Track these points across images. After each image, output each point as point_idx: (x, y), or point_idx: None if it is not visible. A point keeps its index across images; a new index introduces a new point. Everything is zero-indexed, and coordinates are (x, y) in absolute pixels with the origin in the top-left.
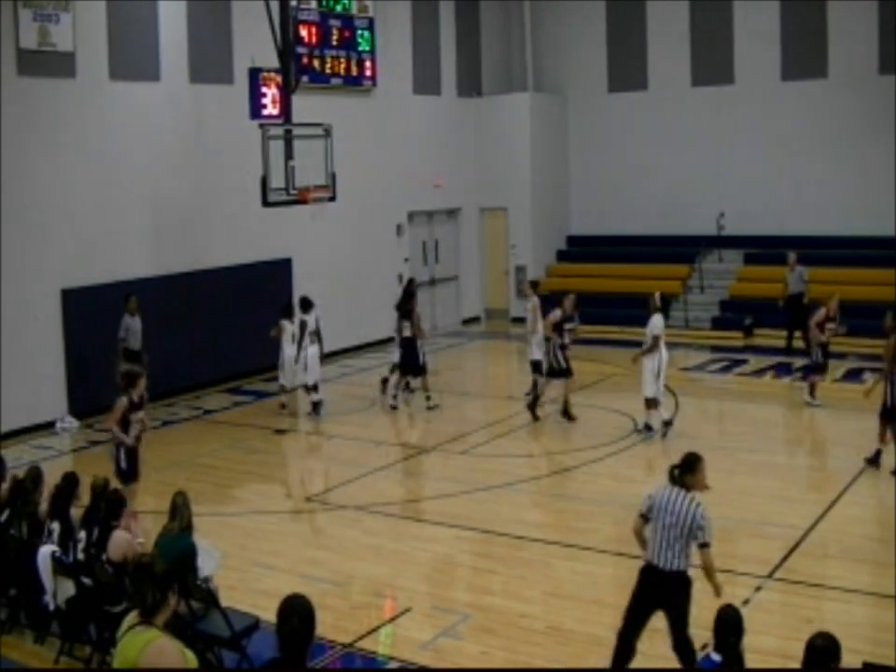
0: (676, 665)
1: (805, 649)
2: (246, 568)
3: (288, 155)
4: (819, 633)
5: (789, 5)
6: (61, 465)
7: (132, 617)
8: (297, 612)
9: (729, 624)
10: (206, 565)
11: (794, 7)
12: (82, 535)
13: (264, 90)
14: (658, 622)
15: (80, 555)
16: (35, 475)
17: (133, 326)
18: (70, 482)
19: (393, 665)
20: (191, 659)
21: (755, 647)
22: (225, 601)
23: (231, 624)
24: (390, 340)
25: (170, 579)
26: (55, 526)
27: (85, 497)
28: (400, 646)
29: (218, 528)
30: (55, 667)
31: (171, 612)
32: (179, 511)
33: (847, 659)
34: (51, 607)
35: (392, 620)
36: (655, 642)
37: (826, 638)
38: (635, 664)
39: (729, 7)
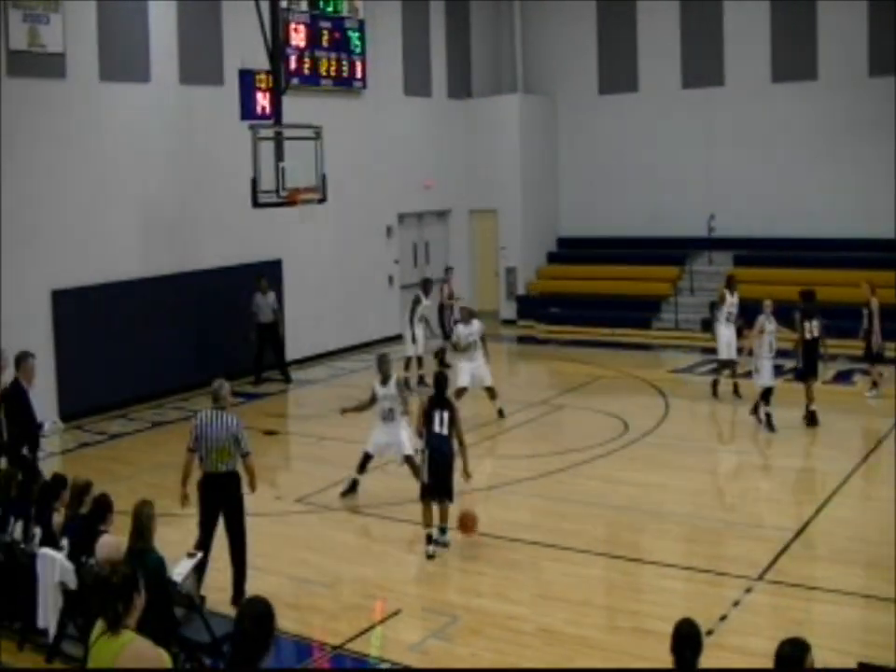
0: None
1: (775, 656)
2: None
3: (279, 156)
4: (788, 640)
5: (779, 6)
6: (49, 467)
7: (101, 624)
8: (249, 615)
9: (687, 640)
10: (182, 566)
11: (784, 8)
12: (65, 542)
13: (254, 91)
14: (649, 622)
15: (66, 563)
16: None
17: (262, 303)
18: (53, 484)
19: (383, 666)
20: (165, 656)
21: (744, 648)
22: (214, 603)
23: (211, 630)
24: (380, 342)
25: (132, 582)
26: (37, 531)
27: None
28: (390, 647)
29: None
30: (49, 667)
31: (140, 612)
32: (145, 524)
33: (837, 660)
34: (41, 614)
35: (382, 621)
36: (650, 643)
37: (792, 645)
38: (629, 664)
39: (719, 9)
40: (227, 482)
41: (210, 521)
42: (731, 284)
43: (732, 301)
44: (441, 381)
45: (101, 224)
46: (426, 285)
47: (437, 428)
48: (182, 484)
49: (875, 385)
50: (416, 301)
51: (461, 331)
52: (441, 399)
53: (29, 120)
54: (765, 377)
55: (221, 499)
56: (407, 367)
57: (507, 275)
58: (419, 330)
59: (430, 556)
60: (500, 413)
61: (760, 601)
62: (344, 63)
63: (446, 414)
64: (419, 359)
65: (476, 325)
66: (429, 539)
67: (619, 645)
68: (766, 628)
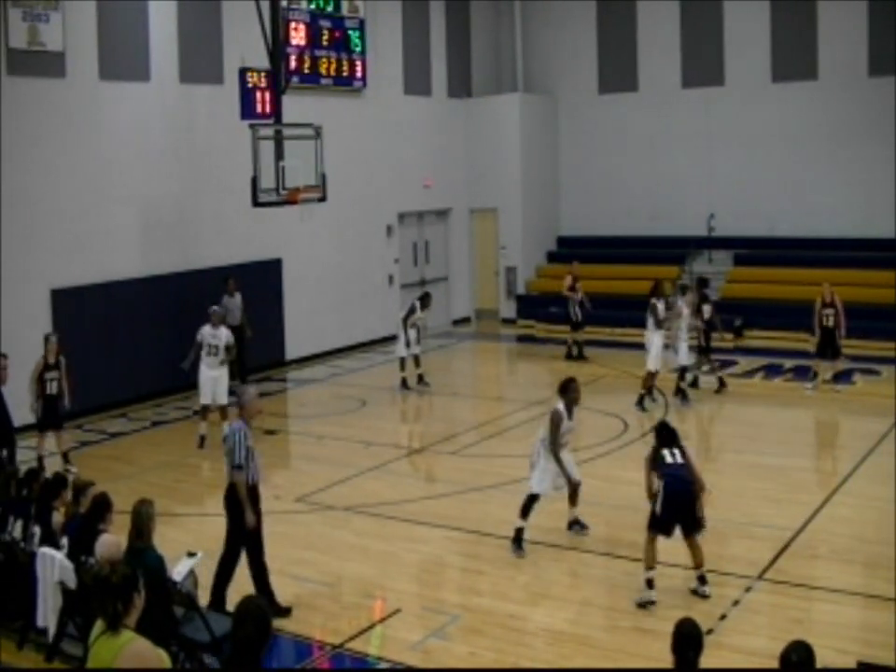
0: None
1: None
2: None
3: (279, 155)
4: (795, 642)
5: (779, 6)
6: (50, 466)
7: (100, 623)
8: (251, 618)
9: (689, 639)
10: (183, 565)
11: (784, 8)
12: (64, 541)
13: (254, 90)
14: (649, 621)
15: (65, 562)
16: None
17: (230, 304)
18: (53, 483)
19: (382, 665)
20: (164, 656)
21: (744, 647)
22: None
23: (210, 629)
24: (381, 340)
25: (131, 582)
26: (37, 530)
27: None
28: (390, 647)
29: (207, 529)
30: (48, 666)
31: (140, 611)
32: (144, 523)
33: (837, 659)
34: (40, 613)
35: (382, 621)
36: (650, 642)
37: (808, 653)
38: (629, 664)
39: (719, 9)
40: (229, 491)
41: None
42: (657, 291)
43: (661, 307)
44: (664, 431)
45: (101, 223)
46: (424, 298)
47: (670, 459)
48: None
49: (815, 376)
50: (411, 311)
51: (205, 331)
52: (670, 440)
53: (29, 119)
54: (683, 357)
55: (226, 508)
56: (402, 367)
57: (507, 275)
58: (413, 333)
59: (643, 605)
60: (201, 442)
61: (760, 600)
62: (345, 62)
63: (677, 450)
64: (416, 358)
65: (223, 332)
66: (650, 584)
67: (619, 644)
68: (766, 627)
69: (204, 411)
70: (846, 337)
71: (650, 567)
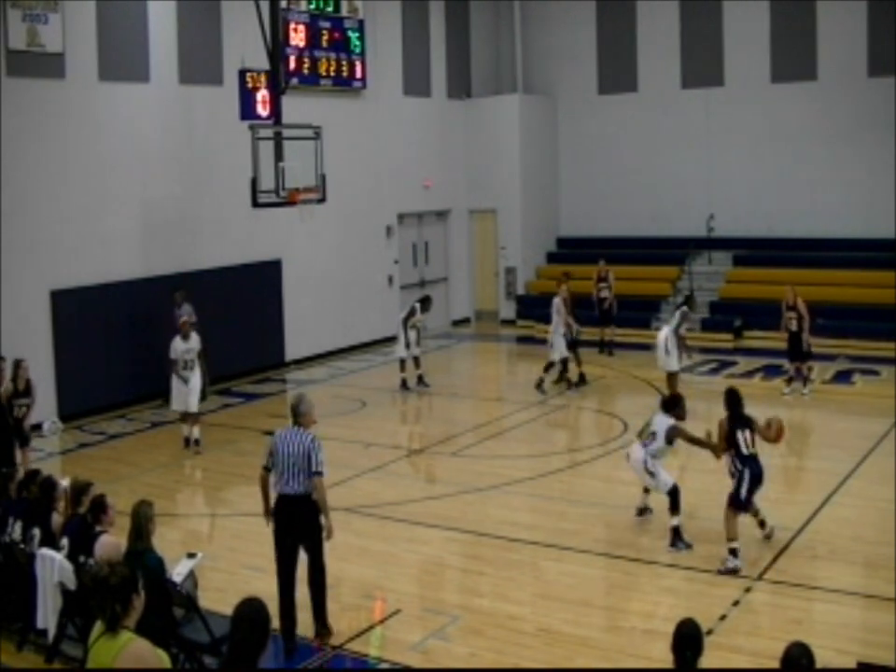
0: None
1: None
2: (235, 570)
3: (278, 156)
4: (795, 642)
5: (778, 7)
6: (50, 467)
7: (100, 625)
8: (247, 621)
9: (688, 640)
10: (182, 566)
11: (784, 9)
12: (65, 542)
13: (254, 91)
14: (649, 622)
15: (65, 563)
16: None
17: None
18: (48, 487)
19: (383, 666)
20: (164, 656)
21: (744, 648)
22: (214, 603)
23: (210, 630)
24: (379, 342)
25: (130, 583)
26: (36, 532)
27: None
28: (390, 647)
29: (207, 530)
30: (48, 667)
31: (139, 613)
32: (143, 525)
33: (837, 660)
34: (40, 615)
35: (382, 621)
36: (650, 643)
37: (808, 657)
38: (629, 664)
39: (719, 10)
40: (299, 505)
41: (281, 548)
42: (689, 302)
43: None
44: (735, 397)
45: (100, 224)
46: (425, 302)
47: (746, 450)
48: (263, 502)
49: (805, 380)
50: (411, 313)
51: (178, 346)
52: (739, 416)
53: (28, 120)
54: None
55: (293, 524)
56: (402, 368)
57: (506, 275)
58: (412, 335)
59: (735, 571)
60: (186, 443)
61: (760, 601)
62: (344, 62)
63: (748, 433)
64: (415, 360)
65: (194, 341)
66: (735, 553)
67: (618, 645)
68: (766, 628)
69: (184, 415)
70: (814, 336)
71: (732, 539)
